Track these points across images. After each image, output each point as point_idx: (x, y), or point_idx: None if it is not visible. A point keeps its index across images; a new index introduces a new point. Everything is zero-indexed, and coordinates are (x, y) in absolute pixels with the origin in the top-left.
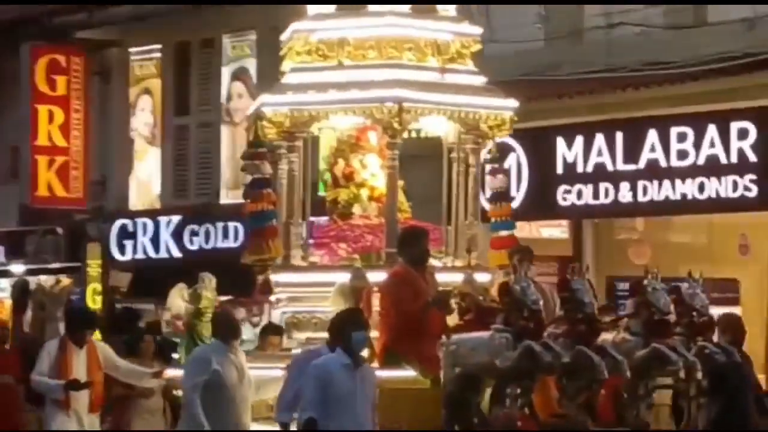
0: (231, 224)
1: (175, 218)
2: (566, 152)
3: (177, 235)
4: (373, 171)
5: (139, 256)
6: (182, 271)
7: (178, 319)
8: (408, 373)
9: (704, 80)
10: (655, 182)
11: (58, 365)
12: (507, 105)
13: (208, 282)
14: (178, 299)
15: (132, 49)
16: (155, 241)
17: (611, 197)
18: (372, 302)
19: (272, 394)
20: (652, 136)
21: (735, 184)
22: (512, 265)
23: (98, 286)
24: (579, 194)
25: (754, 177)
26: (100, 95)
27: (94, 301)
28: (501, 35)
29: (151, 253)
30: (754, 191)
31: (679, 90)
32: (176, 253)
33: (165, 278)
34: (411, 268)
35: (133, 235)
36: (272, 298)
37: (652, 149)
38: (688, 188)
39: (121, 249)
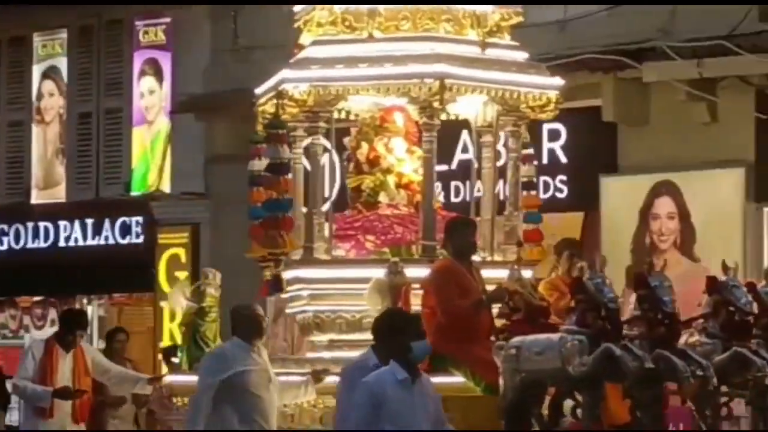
0: (42, 224)
1: None
2: None
3: None
4: (399, 155)
5: None
6: None
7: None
8: (456, 379)
9: None
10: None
11: (42, 370)
12: (553, 84)
13: (213, 278)
14: (179, 297)
15: None
16: None
17: None
18: (411, 300)
19: (289, 400)
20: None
21: (547, 185)
22: (556, 260)
23: None
24: None
25: (564, 177)
26: None
27: None
28: None
29: None
30: (565, 192)
31: None
32: None
33: None
34: (457, 261)
35: None
36: (285, 296)
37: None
38: None
39: None
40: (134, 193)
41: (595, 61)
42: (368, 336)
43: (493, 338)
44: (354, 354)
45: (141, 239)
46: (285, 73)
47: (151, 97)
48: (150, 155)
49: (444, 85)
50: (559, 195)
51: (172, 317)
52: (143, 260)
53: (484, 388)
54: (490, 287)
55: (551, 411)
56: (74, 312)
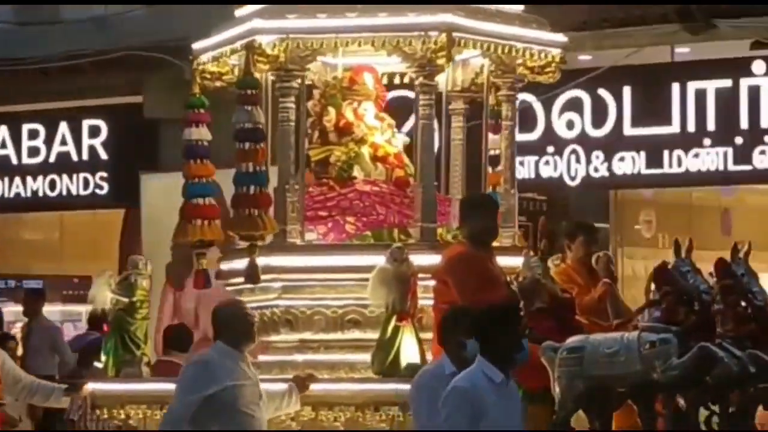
0: None
1: None
2: None
3: None
4: (370, 123)
5: None
6: None
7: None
8: None
9: (56, 78)
10: (6, 179)
11: None
12: (556, 40)
13: (143, 267)
14: (104, 290)
15: None
16: None
17: None
18: (417, 292)
19: (270, 414)
20: (3, 131)
21: (87, 182)
22: (566, 246)
23: None
24: None
25: (105, 174)
26: None
27: None
28: None
29: None
30: (105, 188)
31: (31, 87)
32: None
33: None
34: (475, 247)
35: None
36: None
37: (3, 145)
38: (39, 185)
39: None
40: None
41: (137, 57)
42: (352, 335)
43: None
44: (335, 357)
45: None
46: (256, 23)
47: None
48: None
49: (452, 38)
50: (99, 192)
51: None
52: None
53: (524, 397)
54: None
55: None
56: None
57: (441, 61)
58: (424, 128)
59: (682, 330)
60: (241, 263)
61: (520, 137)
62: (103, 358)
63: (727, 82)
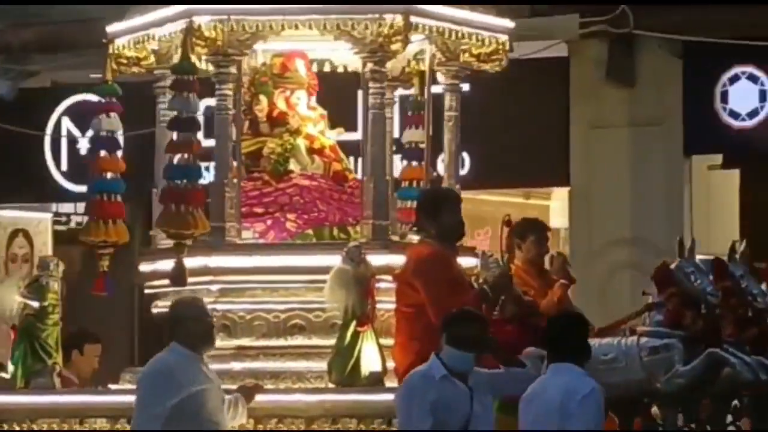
0: None
1: None
2: None
3: None
4: (303, 113)
5: None
6: None
7: None
8: None
9: None
10: None
11: None
12: (502, 25)
13: (55, 269)
14: (12, 294)
15: None
16: None
17: None
18: (375, 295)
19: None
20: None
21: None
22: (515, 245)
23: None
24: None
25: None
26: None
27: None
28: None
29: None
30: None
31: None
32: None
33: None
34: (443, 247)
35: None
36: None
37: None
38: None
39: None
40: None
41: None
42: (296, 342)
43: None
44: (277, 365)
45: None
46: (194, 7)
47: None
48: None
49: (409, 21)
50: None
51: None
52: None
53: (499, 408)
54: None
55: None
56: None
57: (396, 46)
58: (375, 118)
59: (688, 335)
60: (166, 264)
61: None
62: (10, 367)
63: None
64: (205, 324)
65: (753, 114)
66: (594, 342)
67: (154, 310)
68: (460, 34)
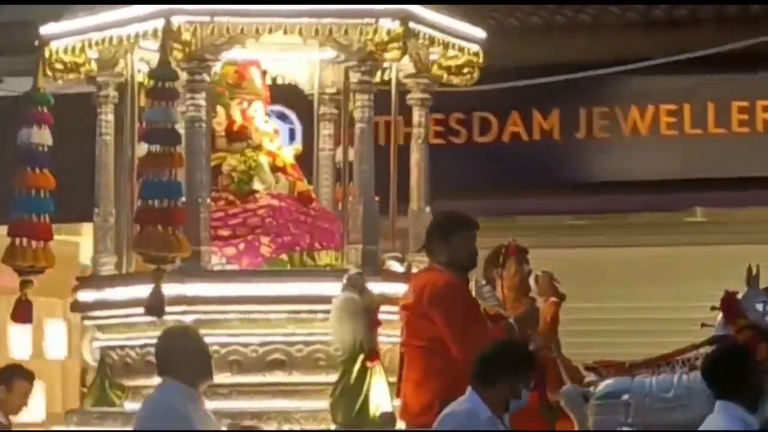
0: None
1: None
2: None
3: None
4: (260, 126)
5: None
6: None
7: None
8: None
9: None
10: None
11: None
12: (474, 35)
13: None
14: None
15: None
16: None
17: None
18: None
19: None
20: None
21: None
22: (496, 270)
23: None
24: None
25: None
26: None
27: None
28: None
29: None
30: None
31: None
32: None
33: None
34: (456, 275)
35: None
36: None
37: None
38: None
39: None
40: None
41: None
42: (277, 379)
43: None
44: (249, 404)
45: None
46: (173, 8)
47: None
48: None
49: (409, 29)
50: None
51: None
52: None
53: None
54: None
55: None
56: None
57: (391, 54)
58: (362, 133)
59: (764, 370)
60: (137, 290)
61: None
62: None
63: None
64: (204, 356)
65: None
66: (646, 378)
67: (95, 344)
68: (439, 43)
